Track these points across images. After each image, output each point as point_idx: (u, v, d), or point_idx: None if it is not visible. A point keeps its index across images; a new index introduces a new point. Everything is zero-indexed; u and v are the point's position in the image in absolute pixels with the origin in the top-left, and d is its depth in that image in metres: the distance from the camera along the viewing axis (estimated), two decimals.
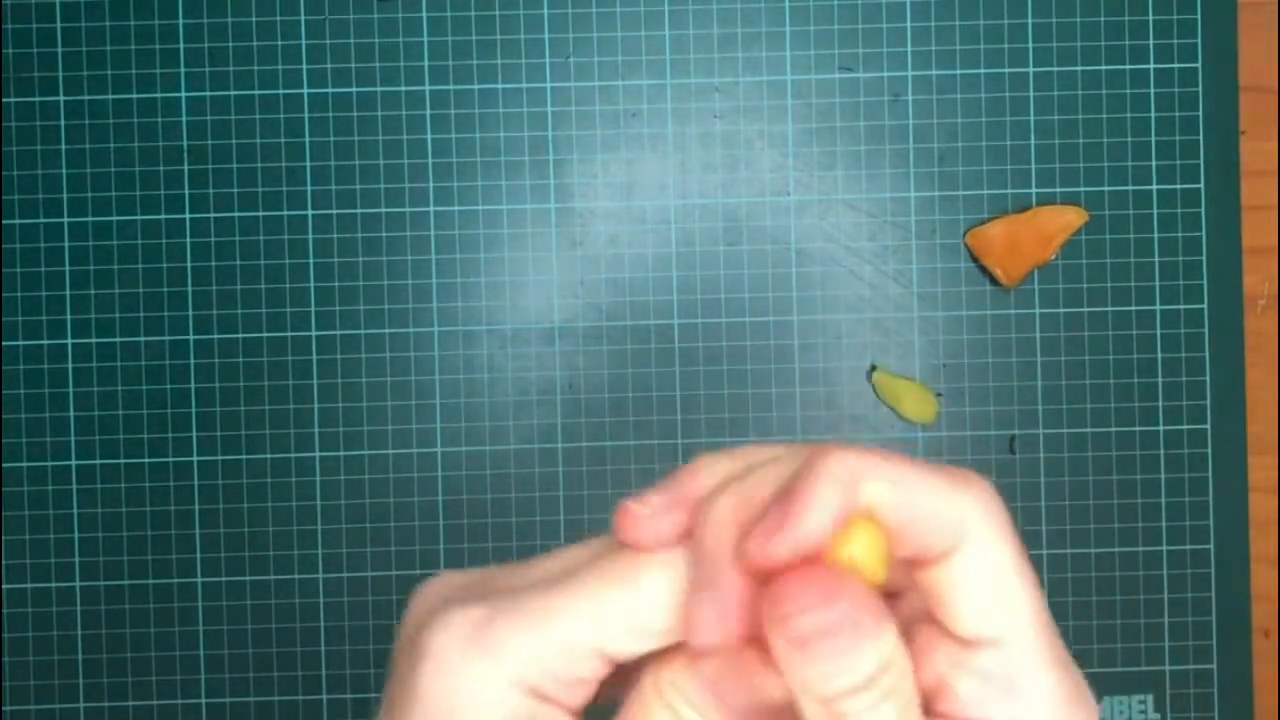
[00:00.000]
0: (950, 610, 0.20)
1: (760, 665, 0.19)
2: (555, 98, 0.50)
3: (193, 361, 0.50)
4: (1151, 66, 0.50)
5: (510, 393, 0.50)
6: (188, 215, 0.50)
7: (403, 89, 0.50)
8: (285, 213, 0.50)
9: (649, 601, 0.20)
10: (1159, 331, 0.51)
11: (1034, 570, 0.20)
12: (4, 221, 0.50)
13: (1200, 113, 0.50)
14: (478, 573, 0.23)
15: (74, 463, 0.50)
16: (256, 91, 0.50)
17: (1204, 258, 0.51)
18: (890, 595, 0.22)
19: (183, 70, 0.50)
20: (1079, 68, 0.50)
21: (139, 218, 0.50)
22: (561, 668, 0.20)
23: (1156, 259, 0.51)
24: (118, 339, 0.50)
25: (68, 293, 0.50)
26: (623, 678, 0.21)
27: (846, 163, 0.51)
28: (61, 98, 0.50)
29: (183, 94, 0.50)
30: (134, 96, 0.50)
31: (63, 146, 0.50)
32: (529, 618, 0.20)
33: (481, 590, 0.22)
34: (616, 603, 0.20)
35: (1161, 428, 0.51)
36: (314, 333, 0.50)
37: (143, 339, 0.50)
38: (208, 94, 0.50)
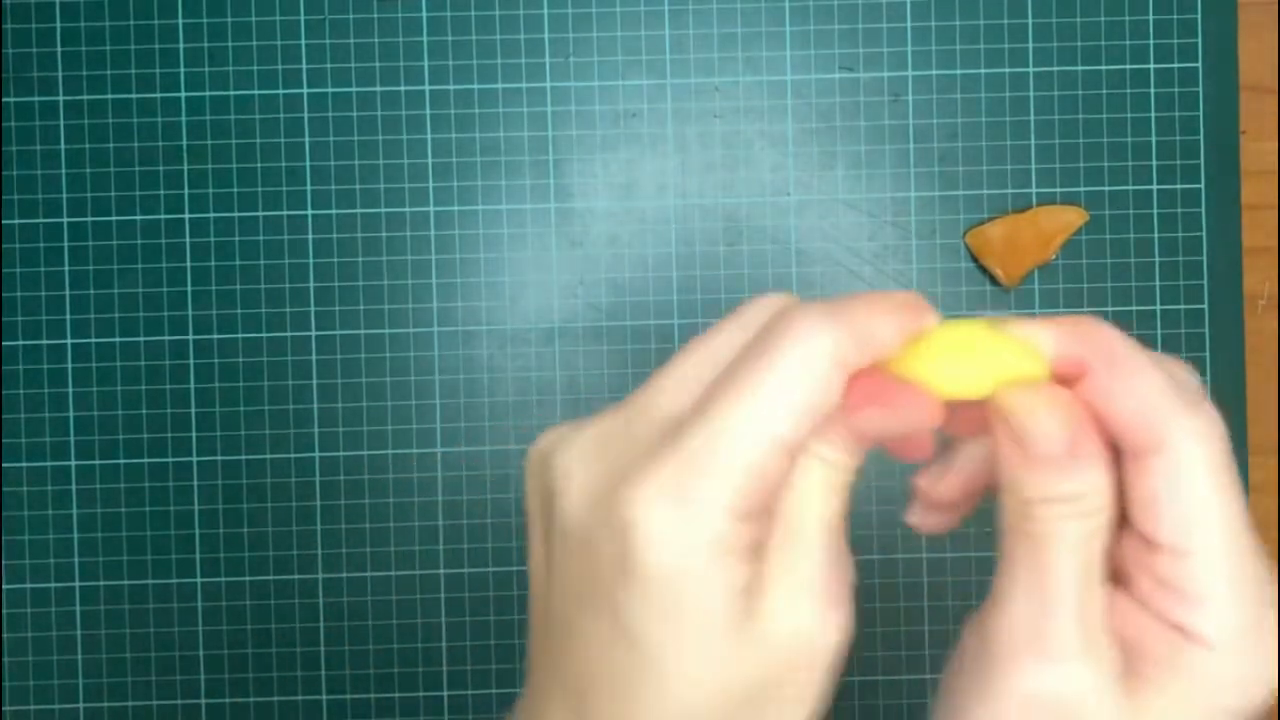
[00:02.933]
0: (1141, 510, 0.21)
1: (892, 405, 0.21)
2: (555, 98, 0.50)
3: (192, 361, 0.50)
4: (1152, 66, 0.50)
5: (510, 393, 0.50)
6: (187, 215, 0.50)
7: (402, 89, 0.50)
8: (285, 213, 0.50)
9: (798, 385, 0.20)
10: (1159, 331, 0.51)
11: (1238, 482, 0.21)
12: (3, 221, 0.50)
13: (1200, 112, 0.50)
14: (604, 423, 0.22)
15: (73, 463, 0.50)
16: (256, 91, 0.50)
17: (1204, 258, 0.50)
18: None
19: (182, 70, 0.50)
20: (1079, 67, 0.50)
21: (138, 218, 0.50)
22: (756, 484, 0.20)
23: (1157, 259, 0.51)
24: (117, 339, 0.50)
25: (67, 293, 0.50)
26: None
27: (846, 162, 0.51)
28: (61, 97, 0.50)
29: (182, 94, 0.50)
30: (133, 96, 0.50)
31: (62, 146, 0.50)
32: (708, 458, 0.20)
33: (624, 443, 0.21)
34: (772, 399, 0.20)
35: None
36: (314, 333, 0.50)
37: (142, 339, 0.50)
38: (207, 94, 0.50)
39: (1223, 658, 0.20)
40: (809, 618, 0.20)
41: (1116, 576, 0.22)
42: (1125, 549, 0.21)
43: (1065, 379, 0.22)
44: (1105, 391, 0.21)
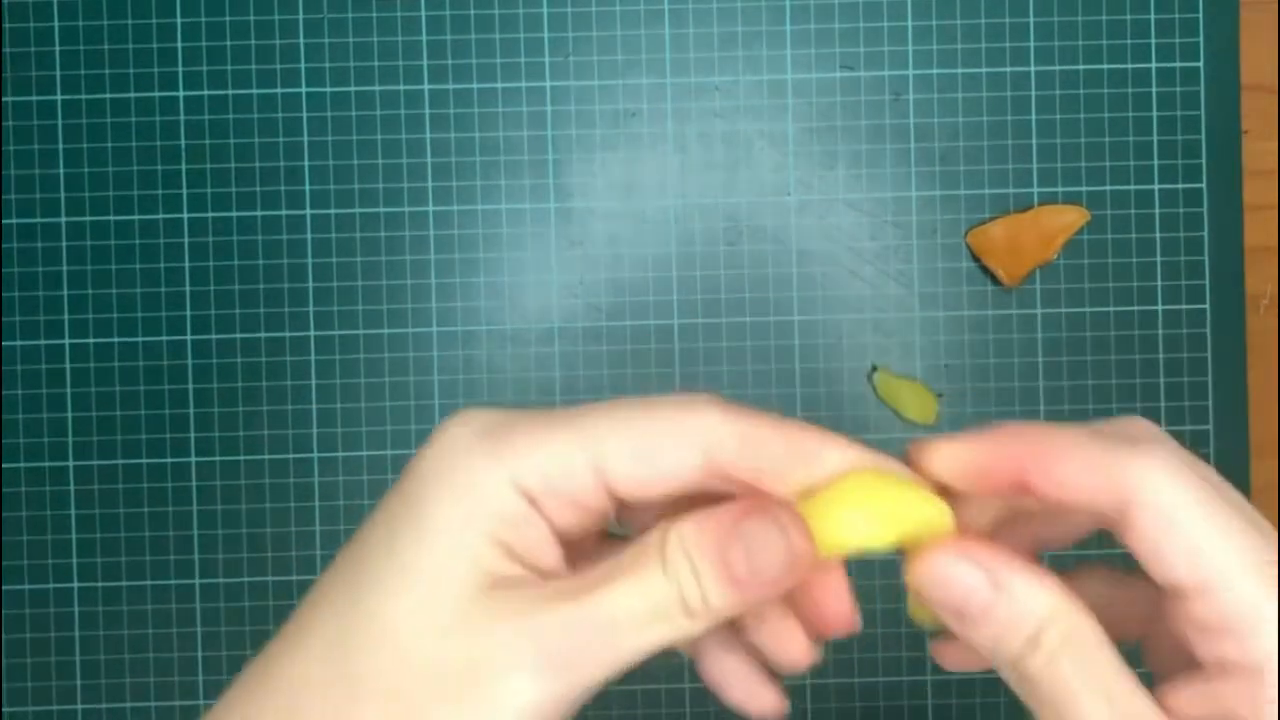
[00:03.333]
0: (1156, 569, 0.20)
1: (761, 536, 0.19)
2: (555, 97, 0.50)
3: (190, 362, 0.50)
4: (1153, 65, 0.50)
5: (510, 393, 0.50)
6: (186, 215, 0.50)
7: (402, 88, 0.50)
8: (284, 212, 0.50)
9: (666, 435, 0.20)
10: (1161, 331, 0.50)
11: (1244, 502, 0.20)
12: (2, 221, 0.50)
13: (1202, 112, 0.50)
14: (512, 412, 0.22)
15: (72, 463, 0.50)
16: (255, 91, 0.50)
17: (1206, 257, 0.50)
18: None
19: (180, 69, 0.50)
20: (1081, 67, 0.50)
21: (137, 217, 0.50)
22: (559, 477, 0.20)
23: (1158, 259, 0.50)
24: (115, 339, 0.50)
25: (65, 293, 0.50)
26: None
27: (847, 162, 0.50)
28: (59, 97, 0.50)
29: (180, 93, 0.50)
30: (131, 96, 0.50)
31: (60, 146, 0.50)
32: (538, 425, 0.20)
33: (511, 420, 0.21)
34: (628, 424, 0.20)
35: (1163, 428, 0.50)
36: (313, 333, 0.50)
37: (141, 339, 0.50)
38: (205, 93, 0.50)
39: None
40: (527, 685, 0.19)
41: (1177, 639, 0.21)
42: (1168, 613, 0.21)
43: (1012, 488, 0.21)
44: (1055, 485, 0.21)
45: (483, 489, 0.20)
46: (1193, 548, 0.20)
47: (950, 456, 0.21)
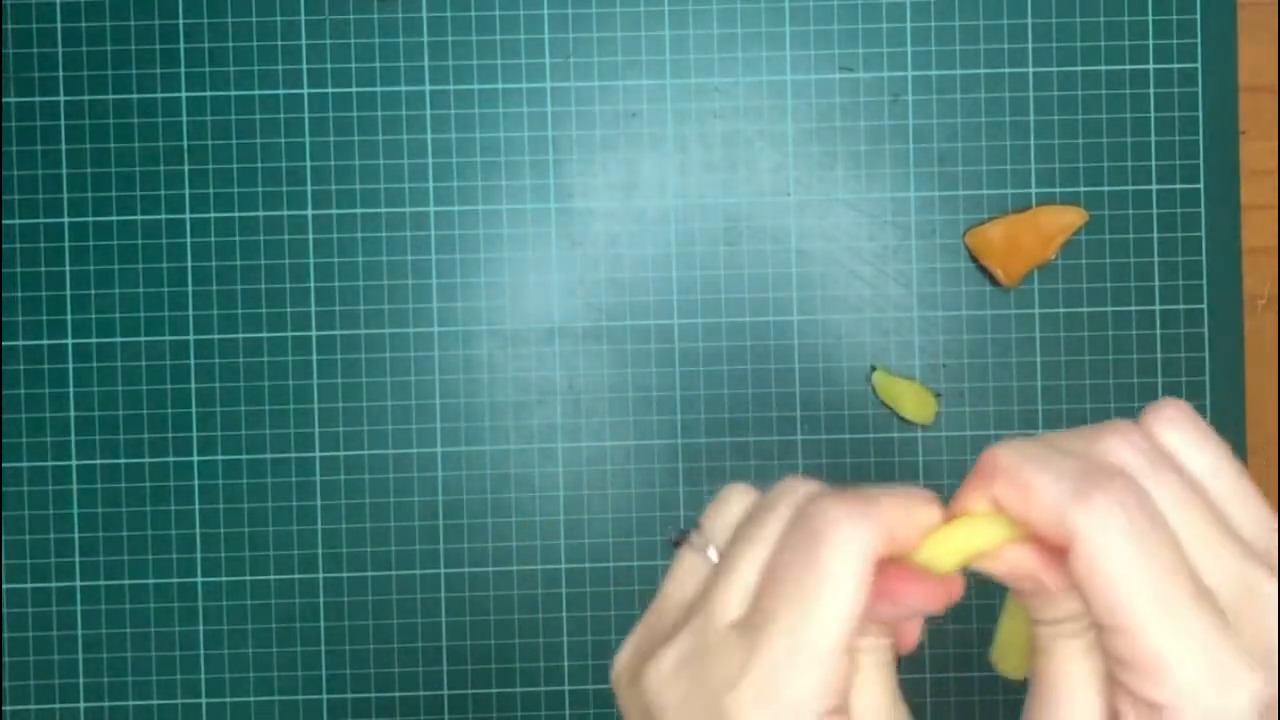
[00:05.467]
0: (1085, 598, 0.22)
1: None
2: (555, 98, 0.51)
3: (193, 361, 0.50)
4: (1151, 66, 0.50)
5: (510, 393, 0.50)
6: (188, 215, 0.50)
7: (403, 89, 0.50)
8: (285, 213, 0.50)
9: (850, 593, 0.23)
10: (1159, 331, 0.51)
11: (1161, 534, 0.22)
12: (4, 221, 0.50)
13: (1200, 113, 0.51)
14: (681, 641, 0.25)
15: (74, 463, 0.50)
16: (256, 91, 0.50)
17: (1204, 258, 0.51)
18: None
19: (183, 70, 0.50)
20: (1079, 68, 0.50)
21: (139, 218, 0.50)
22: (832, 685, 0.23)
23: (1156, 259, 0.51)
24: (118, 339, 0.50)
25: (68, 293, 0.50)
26: None
27: (846, 163, 0.51)
28: (62, 97, 0.50)
29: (183, 94, 0.50)
30: (134, 96, 0.50)
31: (63, 146, 0.50)
32: (790, 669, 0.23)
33: (705, 657, 0.24)
34: (834, 610, 0.23)
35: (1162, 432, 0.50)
36: (314, 333, 0.50)
37: (143, 339, 0.50)
38: (208, 94, 0.50)
39: (1194, 713, 0.21)
40: None
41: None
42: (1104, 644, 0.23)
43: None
44: (1017, 509, 0.23)
45: None
46: (1116, 591, 0.21)
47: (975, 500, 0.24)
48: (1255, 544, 0.22)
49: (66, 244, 0.50)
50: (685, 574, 0.26)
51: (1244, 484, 0.23)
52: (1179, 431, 0.24)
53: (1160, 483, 0.22)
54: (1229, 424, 0.50)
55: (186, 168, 0.50)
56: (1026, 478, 0.22)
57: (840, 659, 0.23)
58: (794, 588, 0.23)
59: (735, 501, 0.26)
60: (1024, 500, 0.22)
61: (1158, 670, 0.21)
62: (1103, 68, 0.51)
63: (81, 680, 0.50)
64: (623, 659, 0.26)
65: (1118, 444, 0.23)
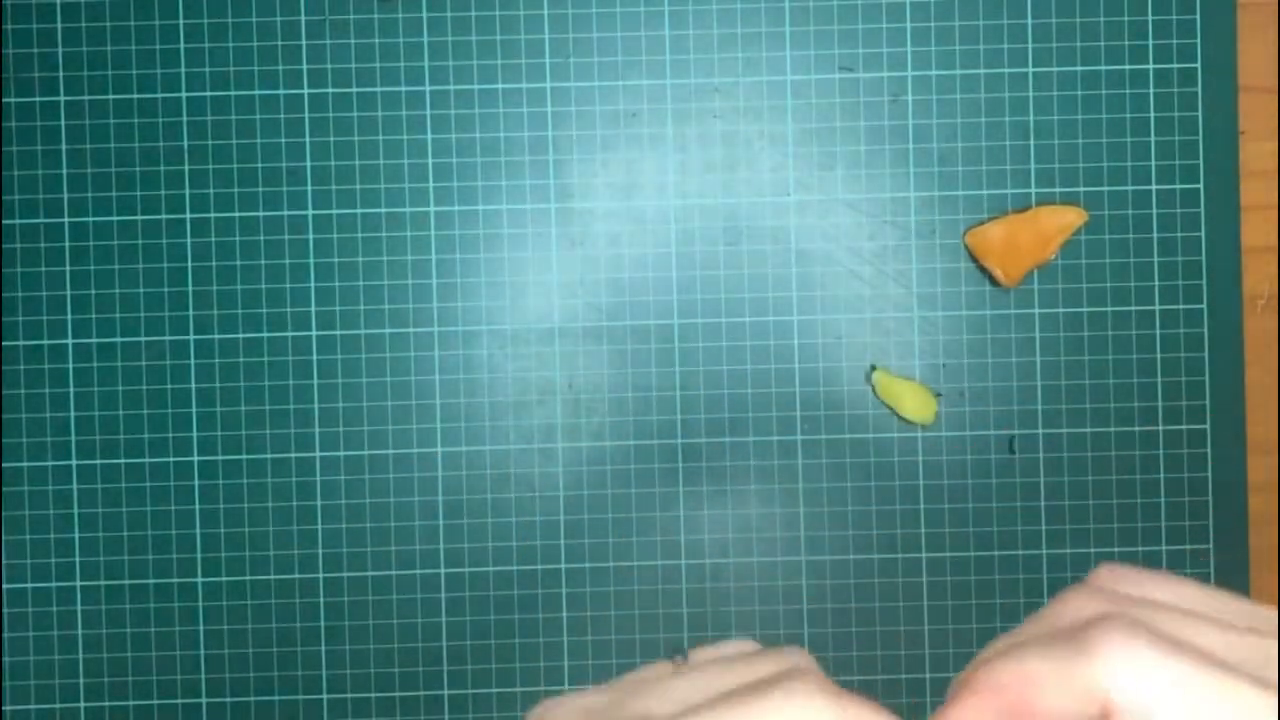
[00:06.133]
0: None
1: None
2: (555, 98, 0.51)
3: (193, 361, 0.50)
4: (1151, 67, 0.51)
5: (510, 393, 0.51)
6: (188, 215, 0.50)
7: (403, 89, 0.50)
8: (285, 213, 0.50)
9: None
10: (1158, 331, 0.51)
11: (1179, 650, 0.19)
12: (4, 221, 0.50)
13: (1199, 113, 0.51)
14: (591, 698, 0.24)
15: (74, 462, 0.50)
16: (257, 91, 0.50)
17: (1203, 258, 0.51)
18: None
19: (183, 70, 0.50)
20: (1078, 68, 0.50)
21: (139, 218, 0.50)
22: None
23: (1156, 259, 0.51)
24: (118, 339, 0.50)
25: (68, 293, 0.50)
26: None
27: (846, 163, 0.51)
28: (62, 98, 0.50)
29: (183, 94, 0.50)
30: (134, 97, 0.50)
31: (63, 146, 0.50)
32: None
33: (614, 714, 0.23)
34: None
35: (1161, 428, 0.51)
36: (314, 333, 0.50)
37: (143, 339, 0.50)
38: (208, 94, 0.50)
39: None
40: None
41: None
42: None
43: None
44: (1030, 706, 0.20)
45: None
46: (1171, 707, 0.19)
47: None
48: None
49: (66, 244, 0.50)
50: (649, 680, 0.24)
51: (1215, 595, 0.21)
52: (1128, 575, 0.22)
53: (1139, 611, 0.20)
54: (1228, 424, 0.51)
55: (186, 168, 0.50)
56: (1029, 671, 0.19)
57: None
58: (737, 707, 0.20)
59: (729, 647, 0.25)
60: (1035, 694, 0.19)
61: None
62: (1103, 68, 0.51)
63: (81, 680, 0.50)
64: (539, 708, 0.25)
65: (1081, 601, 0.21)
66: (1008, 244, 0.50)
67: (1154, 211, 0.51)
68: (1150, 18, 0.50)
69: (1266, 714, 0.18)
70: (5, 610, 0.50)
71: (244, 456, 0.50)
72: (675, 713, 0.22)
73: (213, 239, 0.50)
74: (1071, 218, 0.50)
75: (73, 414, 0.50)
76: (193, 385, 0.50)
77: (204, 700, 0.50)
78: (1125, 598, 0.21)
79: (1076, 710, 0.19)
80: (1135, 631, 0.19)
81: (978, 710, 0.20)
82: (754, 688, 0.21)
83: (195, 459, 0.50)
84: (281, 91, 0.50)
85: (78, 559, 0.50)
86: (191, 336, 0.50)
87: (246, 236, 0.50)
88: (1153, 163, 0.51)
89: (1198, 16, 0.50)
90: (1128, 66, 0.50)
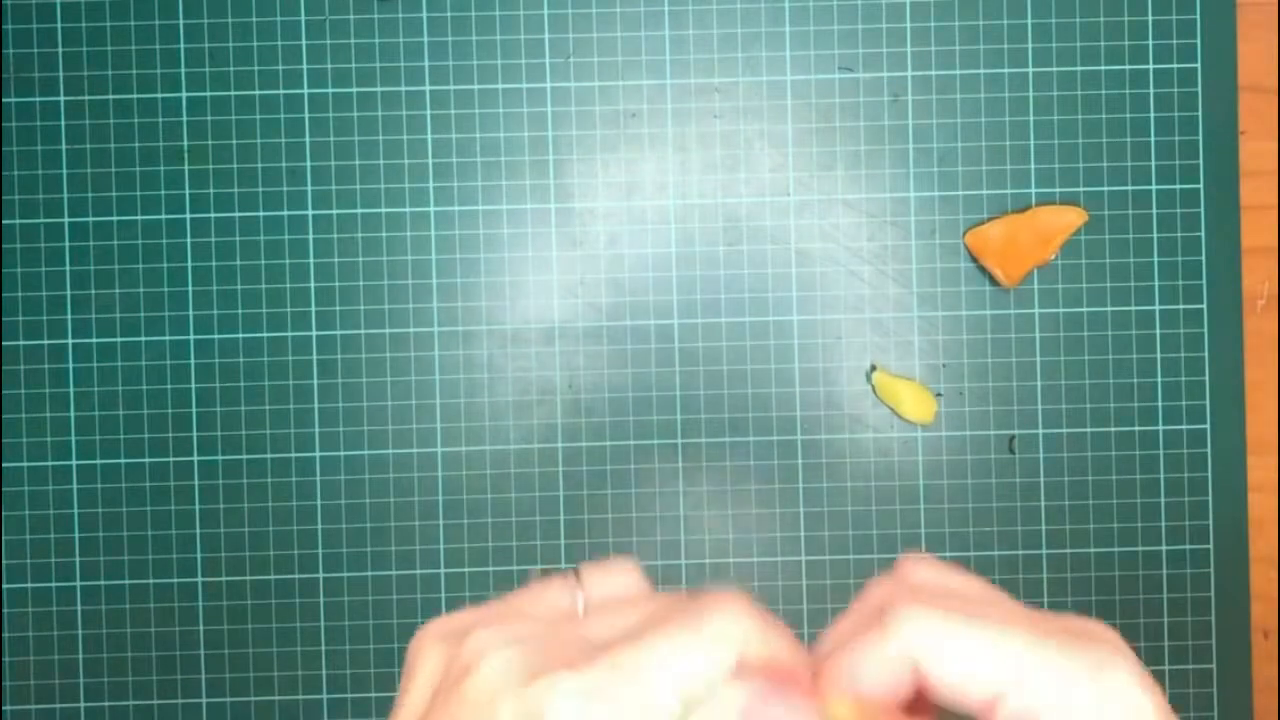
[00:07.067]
0: (963, 705, 0.22)
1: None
2: (555, 98, 0.51)
3: (193, 361, 0.50)
4: (1151, 67, 0.51)
5: (510, 393, 0.51)
6: (188, 215, 0.50)
7: (403, 89, 0.50)
8: (285, 213, 0.50)
9: (718, 655, 0.22)
10: (1158, 331, 0.51)
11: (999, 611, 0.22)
12: (4, 221, 0.50)
13: (1199, 113, 0.51)
14: (531, 625, 0.24)
15: (74, 462, 0.50)
16: (257, 92, 0.50)
17: (1203, 258, 0.51)
18: None
19: (183, 70, 0.50)
20: (1078, 68, 0.50)
21: (139, 218, 0.50)
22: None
23: (1156, 259, 0.51)
24: (118, 339, 0.50)
25: (68, 293, 0.50)
26: None
27: (846, 163, 0.51)
28: (62, 98, 0.50)
29: (183, 94, 0.50)
30: (134, 97, 0.50)
31: (63, 146, 0.50)
32: (632, 685, 0.22)
33: (547, 645, 0.23)
34: (698, 659, 0.22)
35: (1161, 428, 0.51)
36: (314, 333, 0.50)
37: (143, 339, 0.50)
38: (208, 94, 0.50)
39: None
40: None
41: None
42: None
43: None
44: (852, 681, 0.23)
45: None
46: (975, 666, 0.21)
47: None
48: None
49: (66, 244, 0.50)
50: (545, 596, 0.26)
51: (999, 593, 0.24)
52: (927, 566, 0.25)
53: (933, 593, 0.23)
54: (1228, 423, 0.51)
55: (186, 168, 0.50)
56: (847, 659, 0.22)
57: (676, 701, 0.22)
58: (671, 625, 0.22)
59: (618, 573, 0.26)
60: (857, 672, 0.22)
61: (1059, 687, 0.21)
62: (1103, 68, 0.51)
63: (81, 680, 0.50)
64: (445, 622, 0.26)
65: (883, 589, 0.24)
66: (1008, 244, 0.50)
67: (1154, 211, 0.51)
68: (1150, 18, 0.50)
69: (1049, 661, 0.21)
70: (5, 610, 0.50)
71: (244, 456, 0.50)
72: (623, 633, 0.23)
73: (213, 239, 0.50)
74: (1071, 218, 0.50)
75: (73, 414, 0.50)
76: (192, 385, 0.50)
77: (204, 700, 0.50)
78: (921, 584, 0.24)
79: (893, 682, 0.22)
80: (927, 606, 0.22)
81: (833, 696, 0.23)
82: (685, 607, 0.23)
83: (195, 459, 0.50)
84: (281, 91, 0.50)
85: (78, 559, 0.50)
86: (191, 336, 0.50)
87: (246, 236, 0.50)
88: (1153, 163, 0.51)
89: (1198, 16, 0.50)
90: (1128, 66, 0.50)
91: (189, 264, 0.50)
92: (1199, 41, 0.50)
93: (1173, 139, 0.51)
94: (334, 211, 0.50)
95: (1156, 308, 0.51)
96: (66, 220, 0.50)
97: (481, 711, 0.23)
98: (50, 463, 0.50)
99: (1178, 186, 0.51)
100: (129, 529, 0.50)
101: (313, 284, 0.50)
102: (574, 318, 0.51)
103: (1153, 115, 0.51)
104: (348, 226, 0.50)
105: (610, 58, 0.51)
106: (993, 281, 0.51)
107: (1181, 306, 0.51)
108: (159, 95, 0.50)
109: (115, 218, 0.50)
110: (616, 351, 0.51)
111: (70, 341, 0.50)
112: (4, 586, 0.50)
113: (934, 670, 0.22)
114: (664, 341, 0.51)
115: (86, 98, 0.50)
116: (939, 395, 0.51)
